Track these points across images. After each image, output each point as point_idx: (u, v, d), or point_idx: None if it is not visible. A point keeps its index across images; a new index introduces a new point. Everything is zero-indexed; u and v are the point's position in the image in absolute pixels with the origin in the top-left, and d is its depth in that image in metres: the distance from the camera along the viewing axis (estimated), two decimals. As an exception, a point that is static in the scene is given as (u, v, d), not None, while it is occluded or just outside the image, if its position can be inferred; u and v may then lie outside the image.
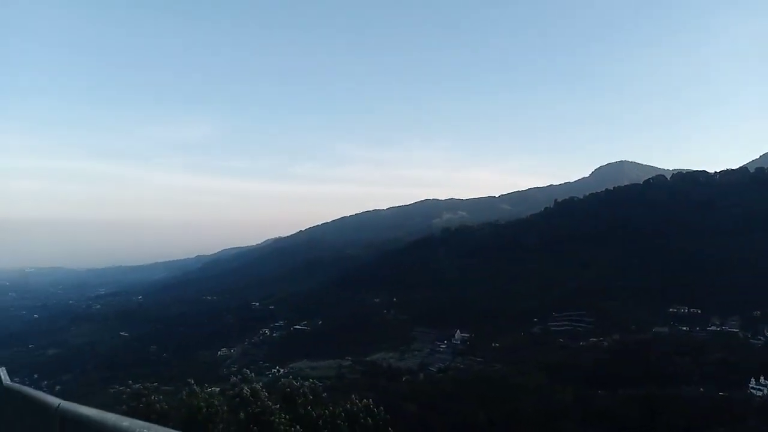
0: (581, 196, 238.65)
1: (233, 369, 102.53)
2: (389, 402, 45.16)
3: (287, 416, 18.02)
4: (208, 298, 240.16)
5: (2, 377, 7.35)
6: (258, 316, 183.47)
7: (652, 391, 76.60)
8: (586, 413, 69.18)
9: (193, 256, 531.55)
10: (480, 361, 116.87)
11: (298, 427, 17.89)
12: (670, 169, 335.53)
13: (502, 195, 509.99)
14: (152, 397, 19.94)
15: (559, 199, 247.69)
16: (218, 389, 20.51)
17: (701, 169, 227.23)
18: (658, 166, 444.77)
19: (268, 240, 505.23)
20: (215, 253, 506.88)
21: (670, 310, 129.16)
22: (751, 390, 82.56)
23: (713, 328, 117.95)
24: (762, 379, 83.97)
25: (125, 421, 2.59)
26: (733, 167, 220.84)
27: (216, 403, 18.50)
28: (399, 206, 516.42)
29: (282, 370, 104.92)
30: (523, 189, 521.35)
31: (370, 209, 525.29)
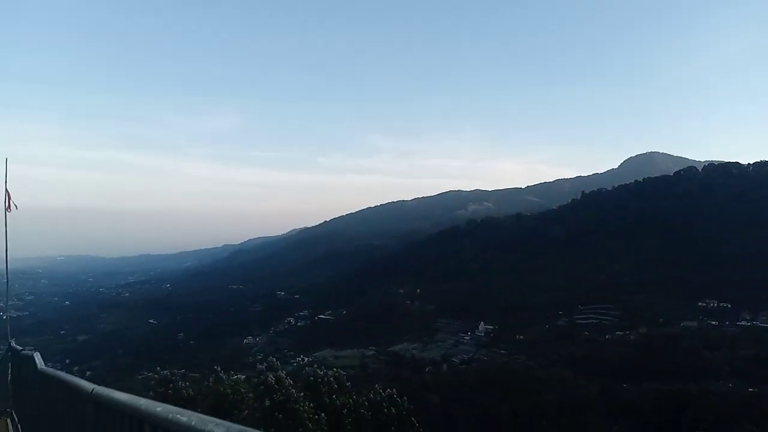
0: (609, 188, 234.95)
1: (259, 357, 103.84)
2: (412, 392, 45.37)
3: (311, 404, 18.25)
4: (235, 286, 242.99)
5: (38, 362, 7.58)
6: (283, 305, 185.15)
7: (679, 385, 75.58)
8: (611, 407, 68.56)
9: (220, 245, 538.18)
10: (504, 353, 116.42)
11: (322, 415, 18.12)
12: (702, 160, 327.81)
13: (528, 186, 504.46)
14: (179, 384, 20.37)
15: (587, 191, 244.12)
16: (244, 377, 20.88)
17: (734, 161, 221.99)
18: (690, 158, 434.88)
19: (293, 230, 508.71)
20: (241, 243, 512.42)
21: (699, 304, 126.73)
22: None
23: (744, 322, 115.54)
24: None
25: (158, 407, 2.60)
26: (767, 158, 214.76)
27: (242, 390, 18.82)
28: (424, 197, 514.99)
29: (306, 359, 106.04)
30: (551, 180, 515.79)
31: (395, 200, 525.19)
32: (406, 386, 59.97)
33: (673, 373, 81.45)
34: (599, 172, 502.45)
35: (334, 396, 19.56)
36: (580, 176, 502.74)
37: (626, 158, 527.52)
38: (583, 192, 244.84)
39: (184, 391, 19.86)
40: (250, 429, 1.75)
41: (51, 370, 6.22)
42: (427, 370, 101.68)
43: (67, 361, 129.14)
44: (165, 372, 21.65)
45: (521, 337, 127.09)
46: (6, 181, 13.86)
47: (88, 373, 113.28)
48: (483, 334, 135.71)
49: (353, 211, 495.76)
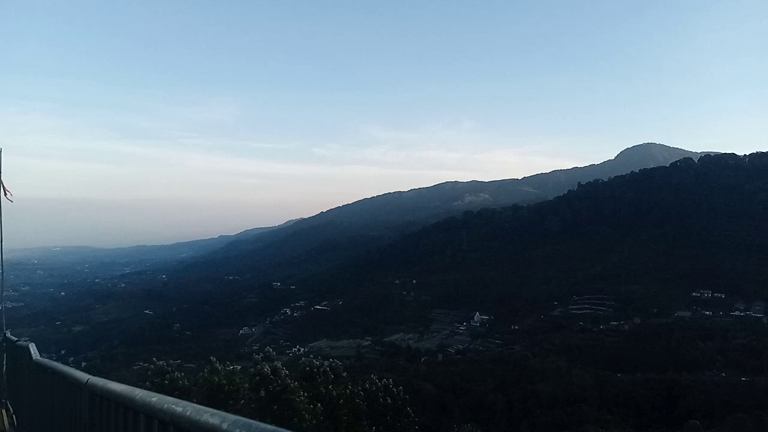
0: (606, 179, 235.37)
1: (255, 348, 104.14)
2: (408, 382, 45.64)
3: (307, 394, 18.34)
4: (231, 277, 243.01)
5: (33, 352, 7.59)
6: (279, 296, 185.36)
7: (672, 375, 76.15)
8: (605, 396, 69.07)
9: (216, 236, 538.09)
10: (499, 343, 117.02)
11: (318, 405, 18.21)
12: (699, 151, 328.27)
13: (525, 177, 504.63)
14: (176, 374, 20.45)
15: (583, 182, 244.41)
16: (240, 367, 20.95)
17: (730, 152, 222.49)
18: (686, 149, 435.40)
19: (289, 221, 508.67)
20: (238, 234, 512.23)
21: (694, 294, 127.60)
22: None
23: (737, 312, 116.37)
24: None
25: (154, 397, 2.59)
26: (764, 150, 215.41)
27: (237, 380, 18.87)
28: (420, 188, 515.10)
29: (302, 349, 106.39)
30: (547, 171, 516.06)
31: (392, 191, 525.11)
32: (402, 376, 60.32)
33: (667, 363, 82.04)
34: (596, 163, 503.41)
35: (330, 386, 19.65)
36: (577, 167, 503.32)
37: (623, 149, 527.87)
38: (579, 183, 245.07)
39: (180, 382, 19.95)
40: (245, 419, 1.73)
41: (46, 361, 6.24)
42: (422, 360, 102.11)
43: (63, 351, 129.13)
44: (161, 363, 21.74)
45: (516, 327, 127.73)
46: (0, 172, 13.82)
47: (83, 363, 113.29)
48: (478, 325, 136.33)
49: (350, 203, 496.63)
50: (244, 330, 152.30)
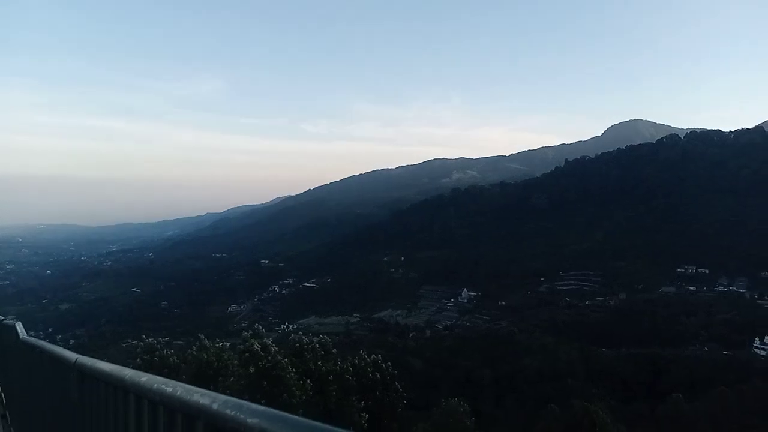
0: (592, 155, 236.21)
1: (243, 325, 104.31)
2: (396, 358, 45.93)
3: (297, 370, 18.38)
4: (218, 255, 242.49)
5: (19, 331, 7.48)
6: (267, 274, 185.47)
7: (656, 350, 77.37)
8: (591, 371, 70.10)
9: (203, 213, 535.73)
10: (486, 319, 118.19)
11: (307, 381, 18.27)
12: (685, 128, 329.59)
13: (512, 154, 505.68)
14: (165, 351, 20.39)
15: (570, 159, 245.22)
16: (228, 344, 20.92)
17: (716, 129, 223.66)
18: (673, 125, 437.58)
19: (277, 198, 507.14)
20: (225, 211, 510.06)
21: (678, 270, 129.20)
22: (755, 350, 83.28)
23: (721, 288, 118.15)
24: (766, 338, 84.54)
25: (143, 377, 2.57)
26: (749, 126, 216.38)
27: (226, 357, 18.85)
28: (409, 165, 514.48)
29: (291, 326, 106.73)
30: (535, 148, 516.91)
31: (380, 168, 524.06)
32: (391, 352, 60.68)
33: (651, 338, 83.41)
34: (583, 139, 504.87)
35: (319, 362, 19.72)
36: (564, 144, 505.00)
37: (610, 126, 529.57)
38: (566, 160, 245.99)
39: (171, 359, 19.91)
40: (235, 399, 1.67)
41: (33, 340, 6.13)
42: (410, 335, 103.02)
43: (50, 329, 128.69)
44: (150, 340, 21.64)
45: (503, 303, 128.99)
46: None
47: (71, 341, 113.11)
48: (466, 301, 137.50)
49: (337, 180, 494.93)
50: (233, 307, 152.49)
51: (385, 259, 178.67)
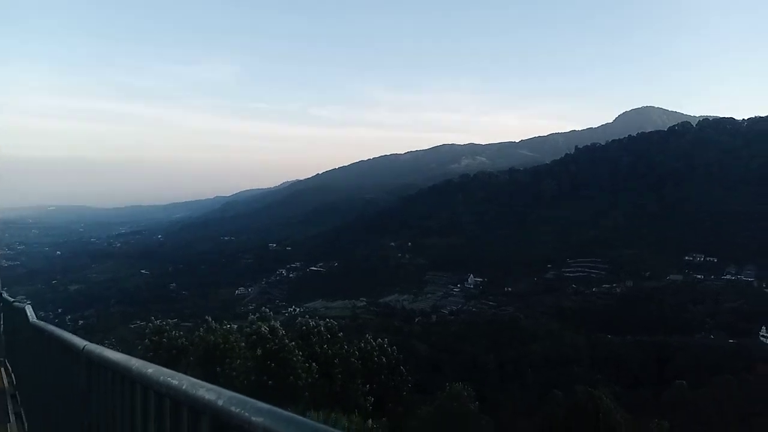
0: (603, 143, 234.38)
1: (251, 307, 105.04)
2: (402, 342, 46.18)
3: (303, 353, 18.60)
4: (227, 238, 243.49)
5: (29, 314, 7.58)
6: (275, 257, 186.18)
7: (662, 337, 77.38)
8: (596, 358, 70.27)
9: (212, 196, 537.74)
10: (492, 305, 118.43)
11: (313, 363, 18.50)
12: (697, 115, 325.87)
13: (522, 140, 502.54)
14: (173, 333, 20.65)
15: (581, 145, 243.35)
16: (236, 326, 21.17)
17: (728, 116, 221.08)
18: (685, 113, 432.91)
19: (286, 182, 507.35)
20: (234, 194, 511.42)
21: (686, 258, 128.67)
22: (762, 338, 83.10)
23: (728, 276, 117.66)
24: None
25: (150, 368, 2.56)
26: (762, 114, 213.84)
27: (233, 339, 19.09)
28: (417, 151, 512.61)
29: (298, 310, 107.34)
30: (545, 135, 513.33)
31: (388, 153, 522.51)
32: (396, 336, 61.03)
33: (658, 326, 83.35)
34: (594, 126, 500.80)
35: (325, 345, 19.93)
36: (575, 130, 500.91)
37: (621, 113, 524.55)
38: (576, 146, 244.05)
39: (179, 341, 20.17)
40: (241, 396, 1.67)
41: (42, 324, 6.24)
42: (416, 320, 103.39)
43: (60, 310, 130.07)
44: (158, 321, 21.92)
45: (510, 289, 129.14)
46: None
47: (80, 322, 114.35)
48: (472, 287, 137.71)
49: (346, 164, 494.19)
50: (240, 290, 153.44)
51: (393, 244, 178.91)
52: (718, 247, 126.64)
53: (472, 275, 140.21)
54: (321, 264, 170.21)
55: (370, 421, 12.62)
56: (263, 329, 18.54)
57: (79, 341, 4.26)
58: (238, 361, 18.01)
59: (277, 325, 19.62)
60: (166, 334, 20.45)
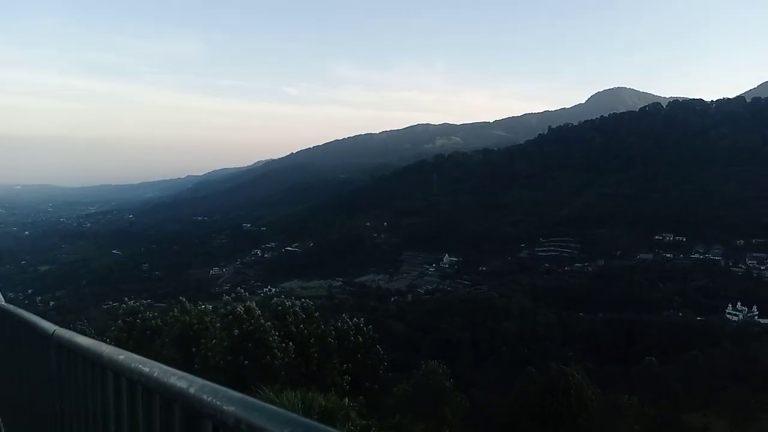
0: (576, 123, 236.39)
1: (225, 288, 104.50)
2: (378, 321, 46.45)
3: (279, 333, 18.50)
4: (200, 218, 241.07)
5: None
6: (249, 238, 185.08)
7: (632, 315, 79.18)
8: (568, 335, 71.68)
9: (183, 176, 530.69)
10: (467, 283, 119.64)
11: (290, 343, 18.41)
12: (668, 96, 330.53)
13: (496, 120, 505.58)
14: (147, 314, 20.35)
15: (554, 126, 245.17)
16: (210, 307, 20.93)
17: (698, 98, 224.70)
18: (656, 94, 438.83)
19: (259, 162, 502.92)
20: (206, 174, 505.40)
21: (656, 237, 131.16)
22: (727, 315, 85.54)
23: (697, 255, 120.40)
24: (738, 305, 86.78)
25: (121, 354, 2.53)
26: (731, 96, 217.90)
27: (208, 319, 18.89)
28: (392, 130, 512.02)
29: (273, 290, 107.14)
30: (519, 115, 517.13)
31: (363, 133, 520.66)
32: (372, 315, 61.42)
33: (628, 303, 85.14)
34: (567, 106, 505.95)
35: (301, 325, 19.85)
36: (548, 111, 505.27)
37: (594, 93, 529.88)
38: (550, 127, 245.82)
39: (153, 321, 19.89)
40: (213, 384, 1.65)
41: (11, 308, 6.00)
42: (392, 300, 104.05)
43: (30, 291, 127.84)
44: (132, 302, 21.58)
45: (484, 268, 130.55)
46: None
47: (51, 303, 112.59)
48: (447, 266, 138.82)
49: (320, 143, 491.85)
50: (215, 270, 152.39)
51: (368, 224, 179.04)
52: (687, 227, 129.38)
53: (447, 255, 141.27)
54: (296, 244, 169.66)
55: (346, 399, 12.60)
56: (239, 309, 18.36)
57: (49, 326, 4.10)
58: (214, 341, 17.84)
59: (253, 305, 19.45)
60: (140, 314, 20.15)
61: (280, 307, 20.37)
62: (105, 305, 77.37)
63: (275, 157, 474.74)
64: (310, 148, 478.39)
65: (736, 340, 67.14)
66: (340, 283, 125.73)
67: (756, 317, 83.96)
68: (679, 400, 46.76)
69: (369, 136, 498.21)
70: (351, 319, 22.00)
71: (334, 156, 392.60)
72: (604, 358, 61.87)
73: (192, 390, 1.71)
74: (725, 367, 56.74)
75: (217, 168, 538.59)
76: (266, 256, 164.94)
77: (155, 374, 2.04)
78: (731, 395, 50.13)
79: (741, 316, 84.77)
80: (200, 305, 21.12)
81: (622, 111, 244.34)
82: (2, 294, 7.38)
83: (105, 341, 19.84)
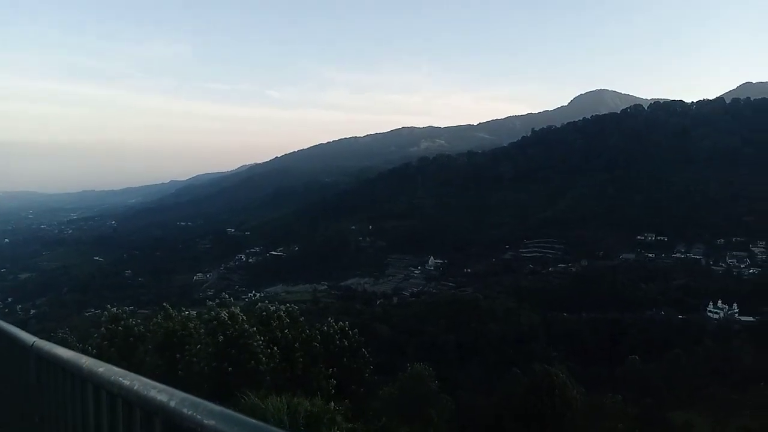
0: (559, 125, 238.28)
1: (210, 293, 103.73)
2: (364, 325, 46.38)
3: (264, 338, 18.45)
4: (183, 223, 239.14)
5: None
6: (234, 242, 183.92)
7: (616, 314, 79.94)
8: (552, 335, 72.17)
9: (167, 181, 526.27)
10: (452, 286, 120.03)
11: (275, 348, 18.37)
12: (649, 98, 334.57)
13: (480, 123, 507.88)
14: (130, 321, 20.16)
15: (537, 128, 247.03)
16: (195, 313, 20.79)
17: (679, 99, 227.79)
18: (638, 95, 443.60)
19: (243, 166, 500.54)
20: (189, 179, 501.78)
21: (638, 237, 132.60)
22: (709, 313, 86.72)
23: (678, 255, 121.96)
24: (719, 303, 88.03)
25: (101, 367, 2.52)
26: (711, 97, 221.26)
27: (192, 325, 18.77)
28: (377, 134, 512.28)
29: (258, 295, 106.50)
30: (502, 117, 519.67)
31: (348, 136, 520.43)
32: (358, 318, 61.35)
33: (611, 303, 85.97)
34: (550, 109, 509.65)
35: (286, 330, 19.80)
36: (532, 113, 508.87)
37: (576, 95, 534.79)
38: (533, 129, 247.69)
39: (136, 328, 19.70)
40: (194, 397, 1.63)
41: None
42: (378, 303, 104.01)
43: (10, 299, 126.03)
44: (114, 309, 21.36)
45: (469, 270, 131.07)
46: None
47: (32, 311, 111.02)
48: (432, 268, 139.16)
49: (305, 147, 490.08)
50: (198, 276, 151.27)
51: (353, 227, 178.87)
52: (669, 227, 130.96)
53: (432, 257, 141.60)
54: (281, 248, 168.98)
55: (332, 403, 12.62)
56: (223, 315, 18.27)
57: (29, 337, 4.10)
58: (198, 346, 17.74)
59: (237, 311, 19.36)
60: (122, 321, 19.94)
61: (264, 312, 20.31)
62: (87, 313, 76.59)
63: (260, 162, 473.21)
64: (294, 152, 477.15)
65: (718, 338, 68.14)
66: (326, 286, 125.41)
67: (736, 315, 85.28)
68: (662, 399, 47.30)
69: (354, 140, 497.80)
70: (336, 323, 22.00)
71: (319, 159, 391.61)
72: (588, 358, 62.41)
73: (172, 403, 1.70)
74: (707, 365, 57.49)
75: (201, 173, 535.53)
76: (251, 260, 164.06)
77: (135, 387, 2.02)
78: (713, 393, 50.76)
79: (722, 314, 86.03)
80: (184, 311, 20.98)
81: (604, 113, 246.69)
82: None
83: (87, 349, 19.55)
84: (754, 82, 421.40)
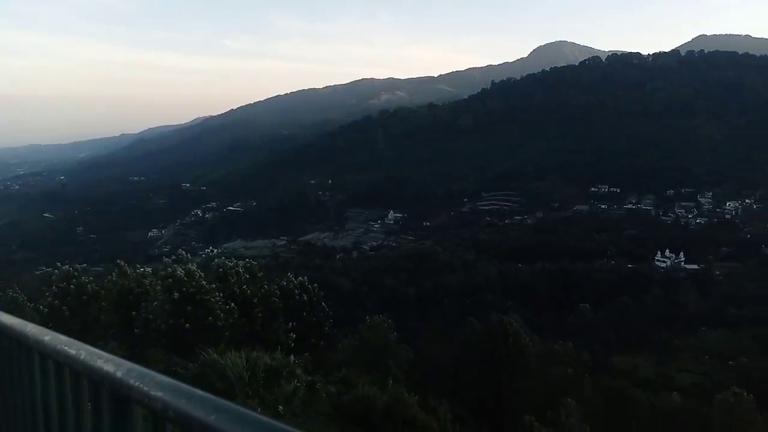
0: (518, 77, 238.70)
1: (165, 250, 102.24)
2: (324, 279, 46.70)
3: (222, 294, 18.33)
4: (136, 178, 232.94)
5: None
6: (189, 198, 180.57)
7: (568, 265, 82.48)
8: (508, 286, 74.15)
9: (117, 134, 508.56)
10: (411, 239, 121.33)
11: (233, 304, 18.29)
12: (608, 50, 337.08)
13: (441, 75, 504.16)
14: (82, 279, 19.70)
15: (497, 80, 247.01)
16: (150, 270, 20.44)
17: (636, 51, 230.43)
18: (596, 47, 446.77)
19: (197, 119, 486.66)
20: (141, 132, 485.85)
21: (592, 189, 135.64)
22: (657, 262, 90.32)
23: (630, 206, 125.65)
24: (667, 252, 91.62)
25: (47, 335, 2.48)
26: (666, 50, 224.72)
27: (147, 282, 18.49)
28: (336, 85, 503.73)
29: (215, 251, 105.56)
30: (462, 69, 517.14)
31: (306, 88, 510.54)
32: (318, 273, 61.67)
33: (564, 253, 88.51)
34: (510, 61, 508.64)
35: (244, 286, 19.70)
36: (492, 65, 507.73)
37: (536, 47, 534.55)
38: (493, 81, 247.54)
39: (89, 286, 19.28)
40: (141, 368, 1.61)
41: None
42: (338, 257, 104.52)
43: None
44: (66, 266, 20.80)
45: (428, 223, 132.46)
46: None
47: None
48: (392, 222, 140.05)
49: (262, 99, 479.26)
50: (153, 232, 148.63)
51: (312, 181, 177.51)
52: (622, 178, 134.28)
53: (392, 211, 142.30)
54: (238, 203, 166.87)
55: (292, 357, 12.71)
56: (179, 272, 18.01)
57: None
58: (155, 303, 17.52)
59: (194, 267, 19.10)
60: (74, 279, 19.47)
61: (221, 269, 20.11)
62: (37, 271, 74.55)
63: (214, 114, 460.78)
64: (251, 104, 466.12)
65: (665, 286, 71.26)
66: (285, 241, 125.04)
67: (682, 263, 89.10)
68: (611, 345, 49.57)
69: (312, 92, 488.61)
70: (296, 278, 22.01)
71: (277, 112, 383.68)
72: (541, 307, 64.53)
73: (119, 374, 1.66)
74: (653, 312, 60.23)
75: (153, 126, 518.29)
76: (207, 216, 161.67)
77: (82, 357, 1.97)
78: (658, 338, 53.40)
79: (669, 263, 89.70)
80: (139, 268, 20.62)
81: (563, 65, 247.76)
82: None
83: (38, 308, 19.02)
84: (708, 34, 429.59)
